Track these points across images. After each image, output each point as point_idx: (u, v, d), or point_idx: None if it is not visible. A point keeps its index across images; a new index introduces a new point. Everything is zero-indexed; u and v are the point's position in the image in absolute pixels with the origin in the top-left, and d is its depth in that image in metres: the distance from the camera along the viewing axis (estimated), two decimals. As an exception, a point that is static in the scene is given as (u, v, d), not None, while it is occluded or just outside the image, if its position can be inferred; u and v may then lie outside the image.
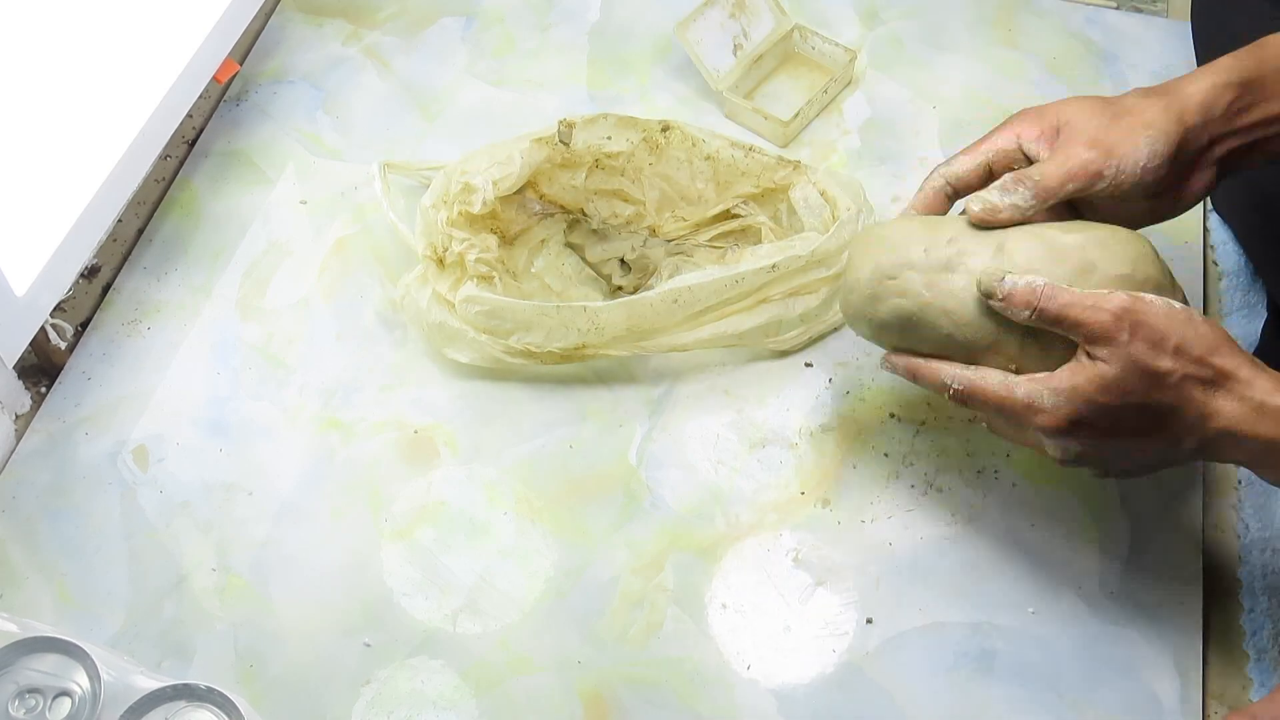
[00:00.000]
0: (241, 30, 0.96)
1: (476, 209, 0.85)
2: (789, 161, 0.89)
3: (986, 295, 0.65)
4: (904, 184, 0.95)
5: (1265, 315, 0.88)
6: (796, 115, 0.96)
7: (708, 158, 0.90)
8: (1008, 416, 0.66)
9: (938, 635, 0.75)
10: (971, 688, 0.73)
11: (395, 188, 0.93)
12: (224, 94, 1.02)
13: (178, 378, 0.86)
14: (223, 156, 0.98)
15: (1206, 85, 0.68)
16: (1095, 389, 0.62)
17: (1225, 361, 0.61)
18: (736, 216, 0.91)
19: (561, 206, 0.93)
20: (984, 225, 0.68)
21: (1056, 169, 0.68)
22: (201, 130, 1.00)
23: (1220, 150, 0.70)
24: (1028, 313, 0.63)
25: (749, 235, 0.91)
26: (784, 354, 0.86)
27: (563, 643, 0.75)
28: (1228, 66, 0.69)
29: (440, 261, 0.84)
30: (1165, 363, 0.61)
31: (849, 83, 1.01)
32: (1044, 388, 0.64)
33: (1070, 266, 0.65)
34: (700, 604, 0.76)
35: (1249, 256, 0.91)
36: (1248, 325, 0.88)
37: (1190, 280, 0.90)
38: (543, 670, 0.74)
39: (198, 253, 0.92)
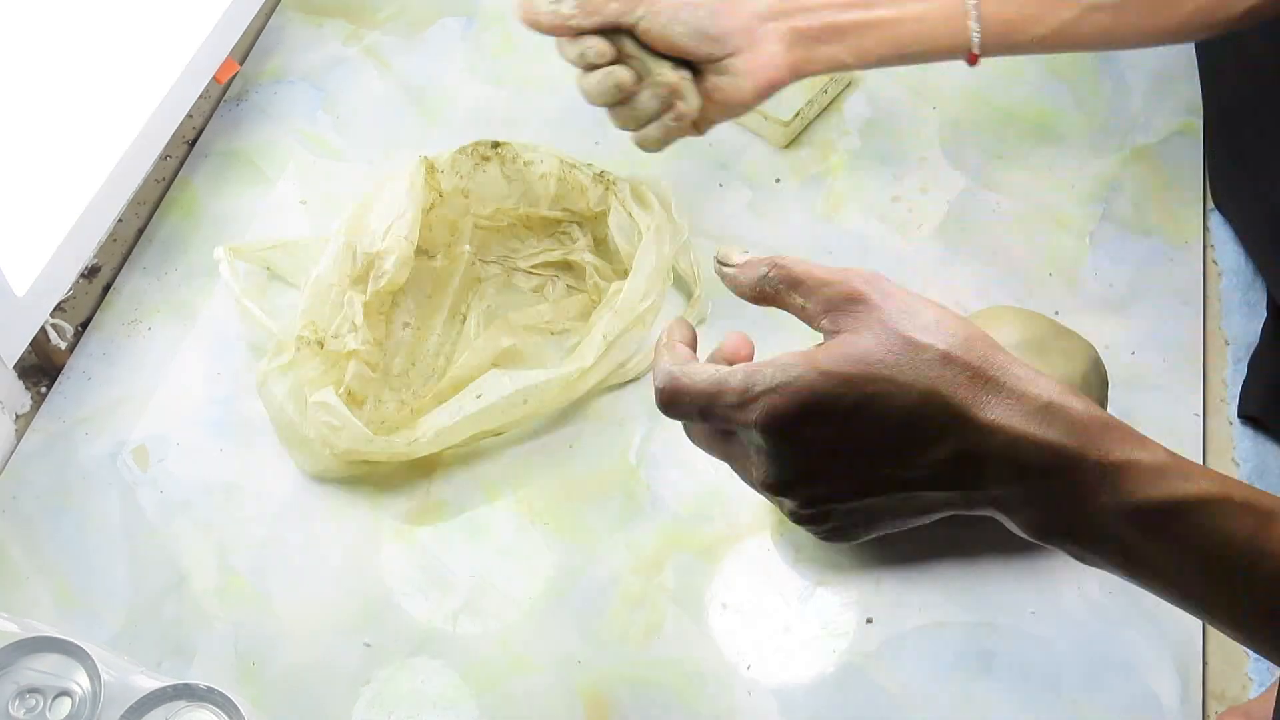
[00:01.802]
0: (241, 30, 0.96)
1: (395, 275, 0.81)
2: (602, 180, 0.87)
3: (721, 261, 0.53)
4: (904, 184, 0.95)
5: (1265, 315, 0.88)
6: (796, 115, 0.96)
7: (541, 176, 0.88)
8: (716, 415, 0.50)
9: (938, 635, 0.75)
10: (971, 688, 0.73)
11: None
12: (224, 94, 1.02)
13: (178, 378, 0.86)
14: (223, 156, 0.98)
15: None
16: (837, 359, 0.46)
17: (992, 352, 0.47)
18: (564, 234, 0.90)
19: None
20: (527, 26, 0.74)
21: None
22: (201, 130, 1.00)
23: (787, 26, 0.75)
24: (765, 269, 0.50)
25: (574, 271, 0.89)
26: (633, 380, 0.85)
27: (563, 643, 0.75)
28: None
29: (321, 344, 0.79)
30: (925, 336, 0.46)
31: (849, 83, 1.01)
32: (769, 365, 0.47)
33: None
34: (700, 604, 0.76)
35: (1250, 255, 0.91)
36: (1248, 325, 0.88)
37: (1190, 280, 0.90)
38: (543, 670, 0.74)
39: (198, 253, 0.92)
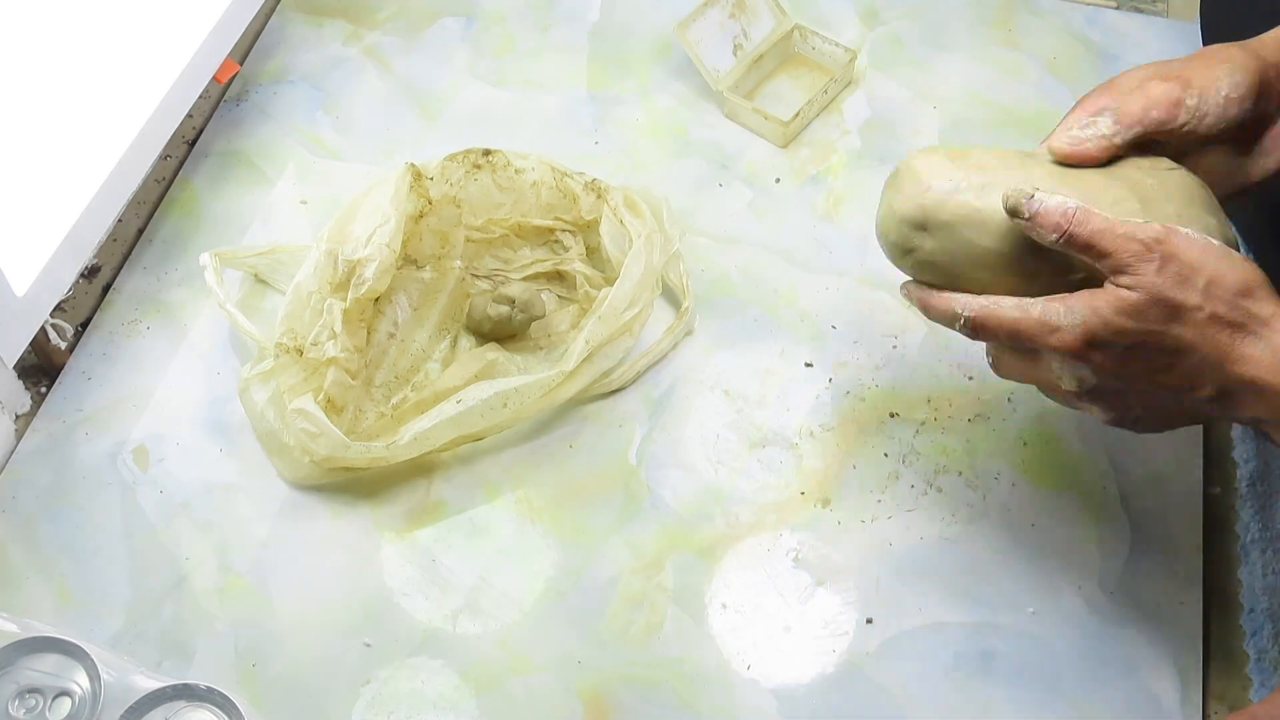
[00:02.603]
0: (241, 30, 0.96)
1: (376, 282, 0.80)
2: (593, 188, 0.88)
3: (1012, 213, 0.61)
4: (904, 184, 0.95)
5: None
6: (797, 115, 0.96)
7: (533, 185, 0.88)
8: (1022, 340, 0.62)
9: (938, 635, 0.75)
10: (971, 688, 0.73)
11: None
12: (224, 94, 1.02)
13: (178, 378, 0.86)
14: (223, 156, 0.98)
15: None
16: (1114, 310, 0.59)
17: (1259, 306, 0.58)
18: (556, 242, 0.90)
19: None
20: (1068, 162, 0.65)
21: (1136, 98, 0.65)
22: (201, 130, 1.00)
23: None
24: (1055, 236, 0.59)
25: (566, 281, 0.89)
26: (616, 391, 0.85)
27: (563, 643, 0.75)
28: None
29: (300, 351, 0.79)
30: (1193, 298, 0.58)
31: (849, 83, 1.01)
32: (1061, 305, 0.60)
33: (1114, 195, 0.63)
34: (700, 604, 0.76)
35: (1250, 253, 0.91)
36: (1248, 325, 0.88)
37: (1190, 280, 0.89)
38: (543, 670, 0.74)
39: (198, 253, 0.91)
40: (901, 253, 0.66)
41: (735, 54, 1.00)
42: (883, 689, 0.73)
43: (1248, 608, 0.76)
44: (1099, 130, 0.65)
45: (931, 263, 0.65)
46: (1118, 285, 0.59)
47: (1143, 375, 0.61)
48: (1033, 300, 0.62)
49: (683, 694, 0.73)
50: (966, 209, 0.63)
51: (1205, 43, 0.94)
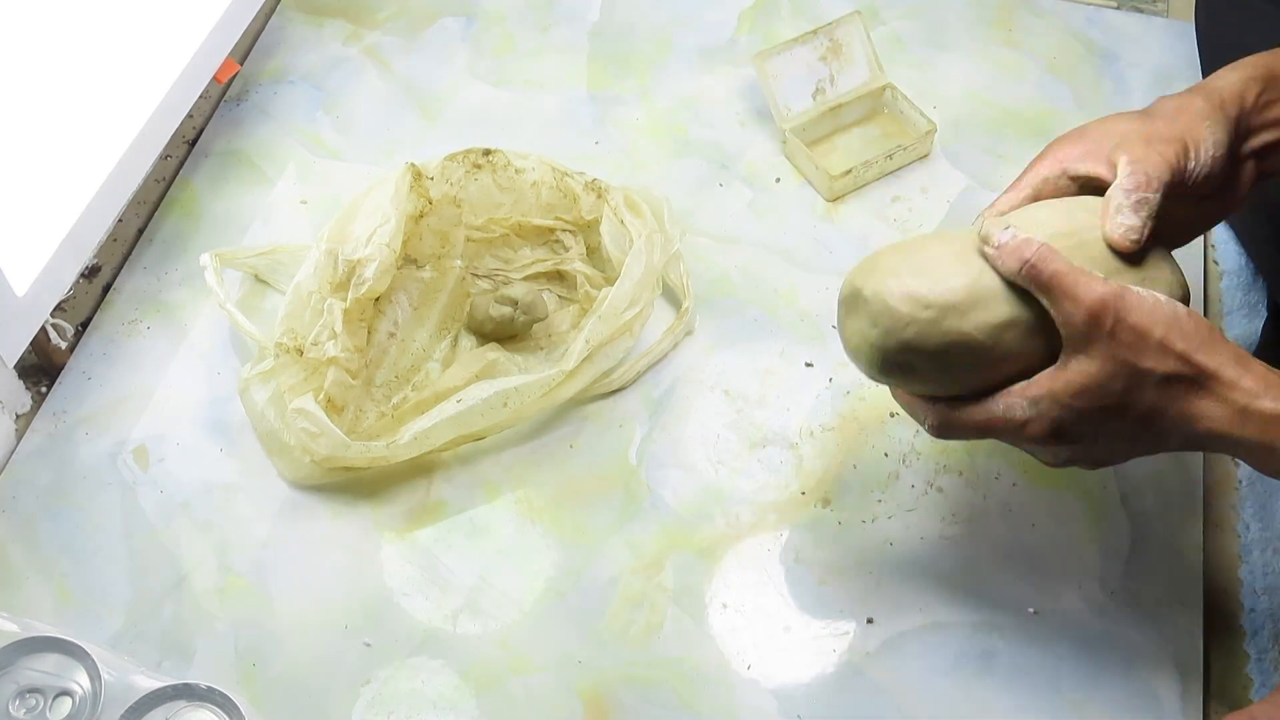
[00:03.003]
0: (241, 30, 0.96)
1: (376, 282, 0.80)
2: (593, 187, 0.87)
3: (983, 241, 0.61)
4: (903, 183, 0.95)
5: (1265, 315, 0.88)
6: (848, 172, 0.93)
7: (533, 185, 0.88)
8: (993, 436, 0.63)
9: (938, 635, 0.75)
10: (972, 688, 0.73)
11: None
12: (224, 94, 1.02)
13: (178, 378, 0.86)
14: (223, 156, 0.98)
15: (1234, 78, 0.67)
16: (1074, 393, 0.59)
17: (1207, 358, 0.59)
18: (557, 242, 0.90)
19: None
20: (1129, 252, 0.63)
21: (1156, 163, 0.63)
22: (201, 130, 1.00)
23: (1254, 143, 0.68)
24: (1018, 266, 0.59)
25: (566, 281, 0.89)
26: (616, 391, 0.85)
27: (563, 642, 0.75)
28: (1250, 63, 0.68)
29: (300, 351, 0.79)
30: (1147, 361, 0.58)
31: (922, 156, 0.97)
32: (1022, 399, 0.61)
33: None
34: (700, 604, 0.76)
35: (1250, 255, 0.91)
36: (1248, 325, 0.88)
37: (1190, 280, 0.89)
38: (543, 670, 0.74)
39: (198, 253, 0.91)
40: (885, 378, 0.64)
41: (815, 97, 0.97)
42: (883, 689, 0.73)
43: (1248, 608, 0.76)
44: (1149, 211, 0.63)
45: (919, 382, 0.64)
46: (1073, 358, 0.59)
47: (1117, 442, 0.62)
48: (993, 398, 0.62)
49: (683, 694, 0.73)
50: (951, 335, 0.61)
51: (1200, 46, 0.94)
